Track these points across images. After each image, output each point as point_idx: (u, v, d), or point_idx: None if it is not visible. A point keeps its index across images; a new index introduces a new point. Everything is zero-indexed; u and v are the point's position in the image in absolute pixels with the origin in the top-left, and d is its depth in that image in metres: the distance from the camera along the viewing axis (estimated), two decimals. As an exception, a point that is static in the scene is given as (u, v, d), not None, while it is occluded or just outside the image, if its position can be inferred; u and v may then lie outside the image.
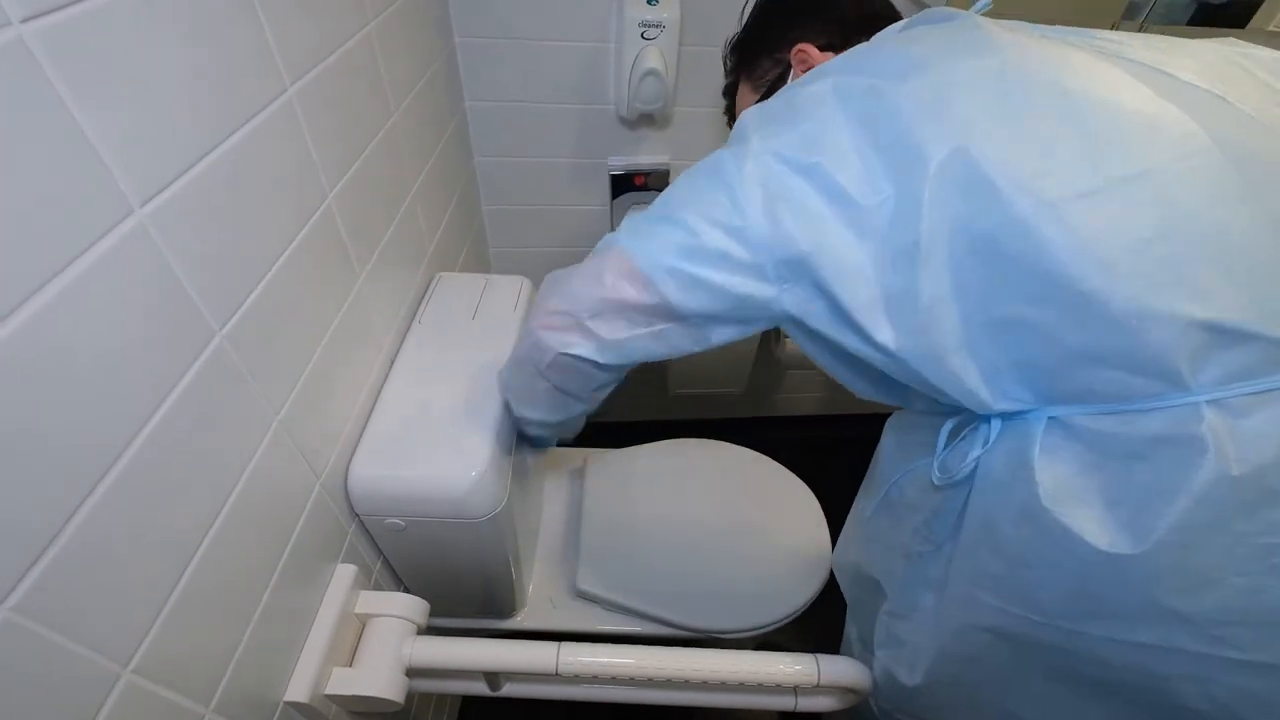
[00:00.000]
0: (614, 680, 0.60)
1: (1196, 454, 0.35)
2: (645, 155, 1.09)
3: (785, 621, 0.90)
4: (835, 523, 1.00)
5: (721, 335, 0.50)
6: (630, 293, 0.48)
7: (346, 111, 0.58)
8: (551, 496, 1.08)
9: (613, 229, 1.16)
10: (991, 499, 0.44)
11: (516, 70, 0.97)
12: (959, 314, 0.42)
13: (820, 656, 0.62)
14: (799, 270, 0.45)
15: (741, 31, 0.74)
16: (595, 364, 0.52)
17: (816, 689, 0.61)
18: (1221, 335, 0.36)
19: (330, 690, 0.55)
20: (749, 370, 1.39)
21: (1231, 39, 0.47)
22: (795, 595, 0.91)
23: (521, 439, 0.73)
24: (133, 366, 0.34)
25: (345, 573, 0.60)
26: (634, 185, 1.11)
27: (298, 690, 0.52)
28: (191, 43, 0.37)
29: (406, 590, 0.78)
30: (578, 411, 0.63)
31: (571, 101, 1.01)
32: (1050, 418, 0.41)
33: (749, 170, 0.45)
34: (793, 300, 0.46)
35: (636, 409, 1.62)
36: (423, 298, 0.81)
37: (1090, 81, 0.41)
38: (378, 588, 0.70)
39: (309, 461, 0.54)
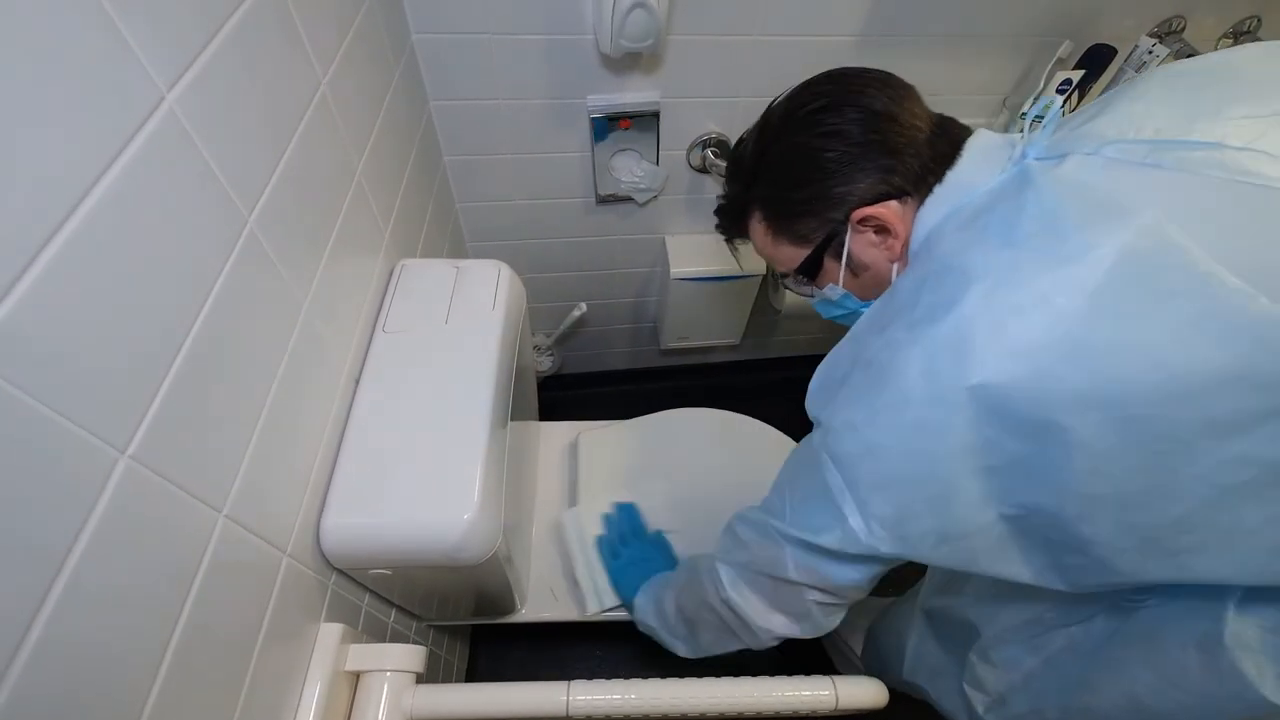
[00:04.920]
0: (627, 718, 0.58)
1: None
2: (631, 94, 0.93)
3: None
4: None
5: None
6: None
7: (257, 97, 0.45)
8: (545, 474, 1.03)
9: (595, 180, 1.03)
10: (1171, 614, 0.47)
11: (472, -7, 0.79)
12: None
13: (837, 679, 0.60)
14: None
15: (761, 164, 0.56)
16: None
17: (835, 712, 0.60)
18: None
19: (327, 760, 0.52)
20: (745, 322, 1.31)
21: None
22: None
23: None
24: (18, 518, 0.27)
25: (331, 632, 0.55)
26: (618, 129, 0.96)
27: (292, 771, 0.49)
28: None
29: (400, 610, 0.74)
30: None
31: (540, 31, 0.84)
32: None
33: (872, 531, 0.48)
34: None
35: (631, 359, 1.55)
36: (384, 297, 0.70)
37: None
38: (368, 622, 0.66)
39: (269, 540, 0.47)
